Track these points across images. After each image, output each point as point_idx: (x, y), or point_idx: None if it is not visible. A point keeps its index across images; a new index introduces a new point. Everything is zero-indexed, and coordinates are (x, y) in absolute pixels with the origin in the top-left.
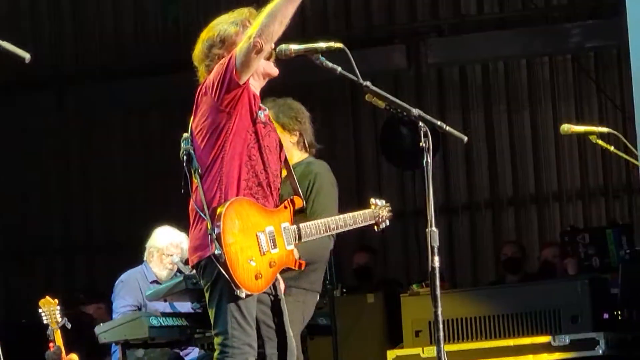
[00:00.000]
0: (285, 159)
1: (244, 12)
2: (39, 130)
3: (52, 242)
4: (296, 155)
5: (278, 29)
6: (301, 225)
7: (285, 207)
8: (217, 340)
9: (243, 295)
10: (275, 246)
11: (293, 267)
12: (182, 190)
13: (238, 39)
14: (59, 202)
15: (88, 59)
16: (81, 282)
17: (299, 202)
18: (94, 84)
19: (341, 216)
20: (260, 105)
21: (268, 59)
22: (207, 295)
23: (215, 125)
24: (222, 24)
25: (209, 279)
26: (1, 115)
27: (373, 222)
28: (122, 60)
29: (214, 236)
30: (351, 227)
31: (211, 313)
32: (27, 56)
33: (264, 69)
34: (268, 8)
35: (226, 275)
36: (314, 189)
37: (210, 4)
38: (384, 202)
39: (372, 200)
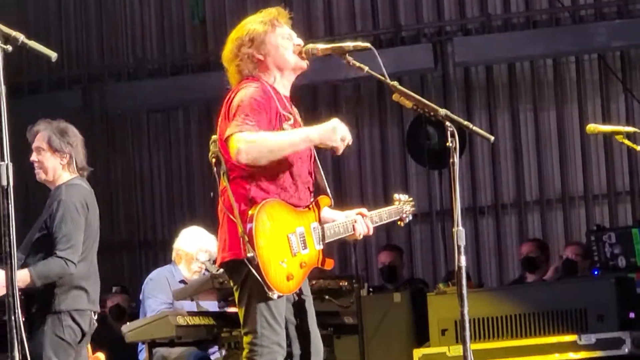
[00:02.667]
0: (315, 159)
1: (272, 11)
2: None
3: None
4: (65, 176)
5: (264, 161)
6: (325, 226)
7: (314, 207)
8: (246, 339)
9: (275, 296)
10: (305, 247)
11: (323, 267)
12: (212, 194)
13: (267, 38)
14: None
15: (114, 59)
16: (105, 281)
17: (327, 201)
18: (120, 83)
19: (369, 213)
20: (287, 106)
21: (298, 53)
22: (236, 294)
23: None
24: (251, 23)
25: (238, 278)
26: (27, 114)
27: (398, 217)
28: (148, 60)
29: (246, 239)
30: (377, 224)
31: (240, 312)
32: (53, 55)
33: (295, 63)
34: (271, 142)
35: (259, 277)
36: (57, 216)
37: (237, 4)
38: (407, 196)
39: (396, 195)
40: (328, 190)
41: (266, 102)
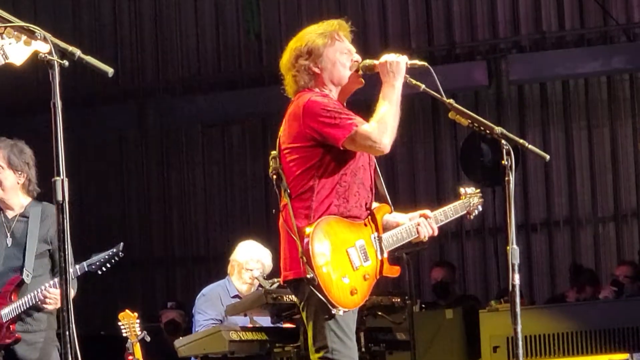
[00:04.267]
0: (376, 167)
1: (333, 24)
2: (120, 144)
3: (132, 255)
4: (21, 196)
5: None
6: (386, 234)
7: (374, 217)
8: (317, 355)
9: (340, 312)
10: (367, 259)
11: (389, 275)
12: (274, 211)
13: (325, 51)
14: (138, 215)
15: (169, 73)
16: (160, 295)
17: (387, 209)
18: (175, 98)
19: (433, 213)
20: None
21: (355, 72)
22: (302, 313)
23: (309, 155)
24: (311, 34)
25: (302, 297)
26: (83, 128)
27: (465, 212)
28: (203, 75)
29: (304, 259)
30: (443, 222)
31: (309, 329)
32: (110, 71)
33: (351, 80)
34: (386, 113)
35: (321, 297)
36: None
37: (292, 19)
38: (473, 189)
39: (462, 189)
40: (388, 197)
41: (334, 102)
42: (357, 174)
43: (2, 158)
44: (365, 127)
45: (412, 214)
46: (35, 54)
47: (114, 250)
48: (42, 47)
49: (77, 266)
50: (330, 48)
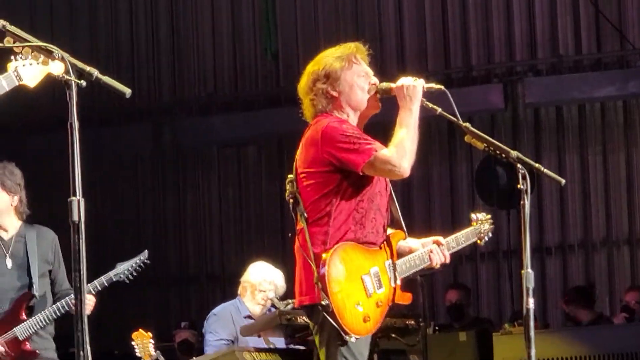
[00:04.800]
0: (391, 192)
1: (350, 47)
2: (135, 163)
3: (147, 274)
4: (15, 219)
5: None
6: (400, 261)
7: (388, 243)
8: None
9: (353, 340)
10: (381, 286)
11: (401, 302)
12: (290, 234)
13: (342, 75)
14: (153, 234)
15: (185, 93)
16: (174, 315)
17: (402, 236)
18: (191, 117)
19: (445, 240)
20: None
21: (372, 95)
22: (316, 337)
23: (326, 180)
24: (328, 58)
25: (316, 321)
26: (98, 146)
27: (476, 238)
28: (219, 95)
29: (320, 285)
30: (455, 249)
31: (322, 354)
32: (127, 92)
33: (369, 104)
34: (404, 138)
35: (334, 323)
36: (59, 253)
37: (310, 40)
38: (484, 214)
39: (473, 215)
40: (403, 224)
41: (352, 127)
42: (374, 200)
43: None
44: (385, 152)
45: (425, 240)
46: (49, 77)
47: (140, 257)
48: (56, 69)
49: (104, 278)
50: (348, 71)
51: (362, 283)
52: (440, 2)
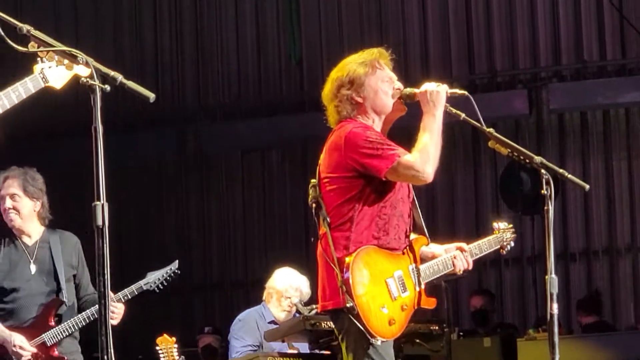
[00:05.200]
0: (414, 199)
1: (374, 52)
2: (159, 169)
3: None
4: (37, 224)
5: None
6: (423, 266)
7: (411, 248)
8: None
9: (379, 342)
10: (405, 289)
11: (426, 307)
12: (312, 239)
13: (367, 80)
14: (177, 240)
15: (209, 98)
16: (198, 320)
17: (424, 241)
18: (215, 123)
19: (469, 246)
20: None
21: (398, 99)
22: (342, 343)
23: (349, 186)
24: (352, 64)
25: (341, 326)
26: (122, 152)
27: (498, 246)
28: (243, 100)
29: (344, 289)
30: (478, 256)
31: (349, 359)
32: (151, 96)
33: (393, 108)
34: (427, 143)
35: (360, 326)
36: (82, 258)
37: (334, 45)
38: (505, 224)
39: (495, 225)
40: (425, 229)
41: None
42: (397, 206)
43: (17, 186)
44: (408, 157)
45: (448, 246)
46: (75, 78)
47: (171, 267)
48: (83, 71)
49: (134, 287)
50: (372, 77)
51: (386, 286)
52: (465, 7)
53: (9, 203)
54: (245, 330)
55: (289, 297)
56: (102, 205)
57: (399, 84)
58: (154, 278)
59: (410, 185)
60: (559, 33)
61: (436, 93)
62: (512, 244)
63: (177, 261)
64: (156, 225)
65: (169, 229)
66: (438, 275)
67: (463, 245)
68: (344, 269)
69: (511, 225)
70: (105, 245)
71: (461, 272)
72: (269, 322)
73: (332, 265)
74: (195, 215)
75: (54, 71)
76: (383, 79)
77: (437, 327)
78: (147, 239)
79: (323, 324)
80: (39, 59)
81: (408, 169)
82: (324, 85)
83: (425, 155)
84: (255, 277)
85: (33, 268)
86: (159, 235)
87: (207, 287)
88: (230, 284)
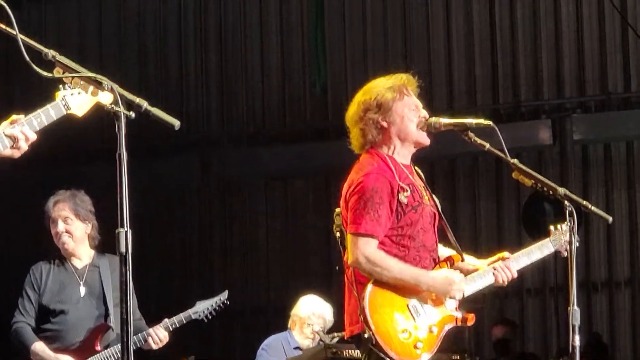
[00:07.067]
0: (441, 218)
1: (401, 78)
2: (182, 195)
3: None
4: (88, 247)
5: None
6: None
7: (443, 267)
8: None
9: None
10: (432, 310)
11: (464, 324)
12: (337, 267)
13: (394, 106)
14: (199, 266)
15: (233, 125)
16: (219, 346)
17: (457, 258)
18: (239, 150)
19: (514, 255)
20: (407, 176)
21: (421, 128)
22: None
23: None
24: (379, 88)
25: (364, 352)
26: (145, 178)
27: (553, 250)
28: (268, 127)
29: (362, 317)
30: (527, 264)
31: None
32: (176, 124)
33: (417, 138)
34: (386, 274)
35: (381, 354)
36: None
37: (359, 73)
38: (564, 226)
39: (552, 227)
40: (457, 246)
41: (384, 186)
42: (417, 237)
43: (69, 210)
44: (371, 246)
45: (491, 259)
46: (97, 106)
47: (220, 298)
48: (105, 99)
49: (183, 315)
50: (399, 102)
51: (407, 310)
52: (490, 37)
53: (61, 227)
54: (272, 354)
55: (311, 325)
56: (126, 232)
57: (424, 113)
58: (202, 307)
59: (435, 210)
60: (584, 64)
61: (454, 291)
62: (577, 243)
63: (226, 291)
64: (178, 251)
65: (191, 255)
66: (477, 289)
67: (506, 253)
68: (363, 295)
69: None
70: (128, 272)
71: (505, 283)
72: (294, 348)
73: (354, 291)
74: (218, 242)
75: (76, 98)
76: (410, 106)
77: (458, 357)
78: (170, 265)
79: (344, 352)
80: (61, 85)
81: (358, 249)
82: (349, 107)
83: (378, 267)
84: (277, 305)
85: (82, 291)
86: (181, 260)
87: (228, 313)
88: (251, 311)
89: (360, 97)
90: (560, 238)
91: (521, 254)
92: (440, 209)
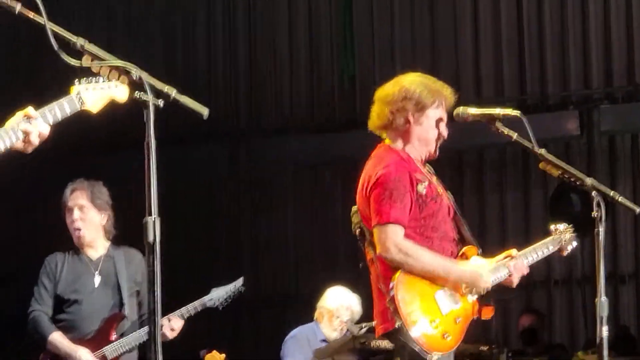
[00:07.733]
0: (456, 213)
1: (446, 88)
2: (210, 185)
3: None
4: (103, 238)
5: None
6: None
7: (461, 260)
8: None
9: (434, 358)
10: (457, 301)
11: (482, 317)
12: (361, 265)
13: (429, 110)
14: (227, 257)
15: (261, 115)
16: (247, 337)
17: (474, 251)
18: (267, 140)
19: (521, 252)
20: (421, 169)
21: (436, 141)
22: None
23: None
24: (423, 85)
25: (396, 346)
26: (174, 167)
27: (557, 248)
28: (296, 117)
29: (392, 308)
30: (535, 261)
31: None
32: (205, 112)
33: (431, 147)
34: (417, 265)
35: (412, 344)
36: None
37: (386, 64)
38: (565, 225)
39: (553, 226)
40: (473, 240)
41: (405, 177)
42: (439, 228)
43: (85, 198)
44: (399, 234)
45: (498, 257)
46: (111, 102)
47: (235, 285)
48: (120, 94)
49: (197, 303)
50: (435, 110)
51: (434, 301)
52: (517, 28)
53: (77, 214)
54: (297, 347)
55: (339, 316)
56: (154, 220)
57: (445, 130)
58: (218, 295)
59: (450, 203)
60: (611, 56)
61: (481, 286)
62: (574, 244)
63: (242, 278)
64: (206, 241)
65: (219, 245)
66: (497, 281)
67: (512, 251)
68: (390, 288)
69: (570, 226)
70: (156, 261)
71: (517, 279)
72: (321, 340)
73: (381, 287)
74: (246, 232)
75: (91, 94)
76: (439, 118)
77: (486, 348)
78: (197, 255)
79: (372, 343)
80: (76, 80)
81: (385, 239)
82: (388, 83)
83: (411, 257)
84: (305, 295)
85: (97, 281)
86: (208, 250)
87: (256, 303)
88: (279, 301)
89: (404, 83)
90: (561, 238)
91: (528, 251)
92: (454, 204)
